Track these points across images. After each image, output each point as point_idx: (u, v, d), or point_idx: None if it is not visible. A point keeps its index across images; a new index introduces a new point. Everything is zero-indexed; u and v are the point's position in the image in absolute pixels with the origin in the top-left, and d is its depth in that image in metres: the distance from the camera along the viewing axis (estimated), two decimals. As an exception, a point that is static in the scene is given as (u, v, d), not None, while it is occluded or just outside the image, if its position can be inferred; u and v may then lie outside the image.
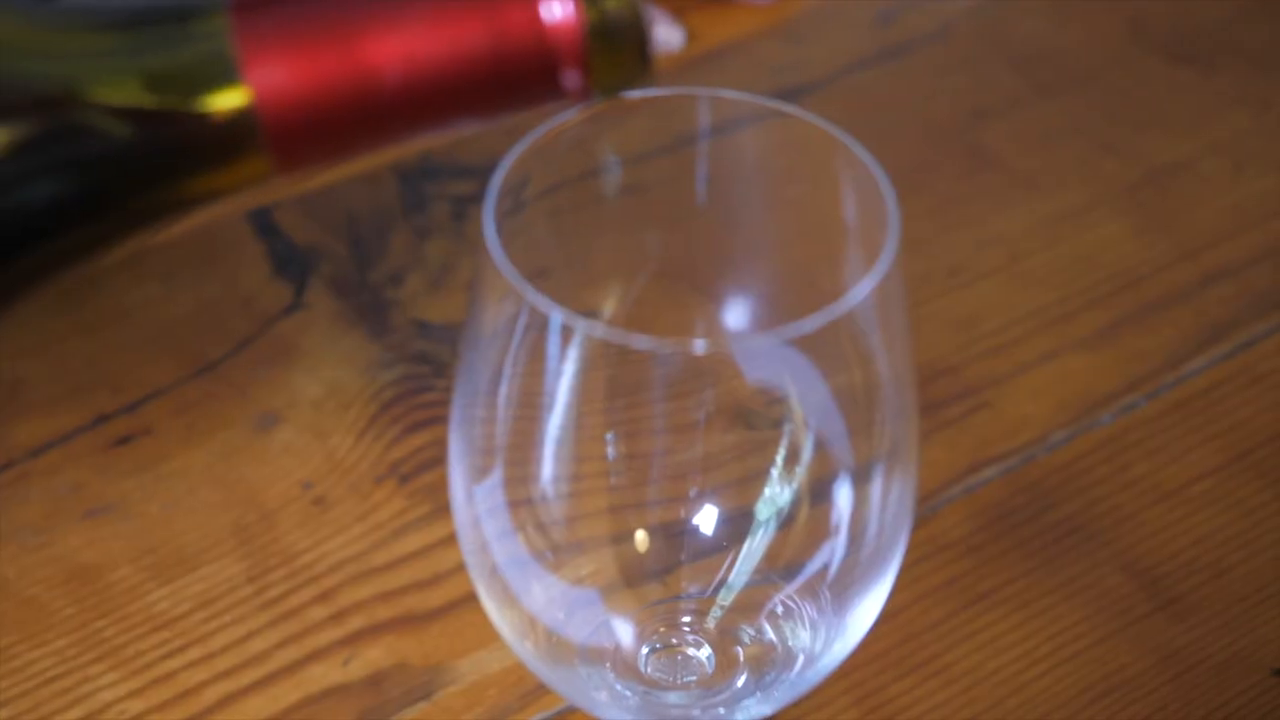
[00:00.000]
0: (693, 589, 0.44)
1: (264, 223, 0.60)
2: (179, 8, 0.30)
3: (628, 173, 0.42)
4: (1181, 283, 0.59)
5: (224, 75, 0.30)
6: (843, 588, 0.41)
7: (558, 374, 0.38)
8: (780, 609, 0.43)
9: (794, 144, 0.40)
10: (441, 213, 0.61)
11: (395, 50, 0.30)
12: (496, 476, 0.40)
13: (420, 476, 0.53)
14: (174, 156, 0.31)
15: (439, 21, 0.30)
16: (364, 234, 0.60)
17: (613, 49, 0.31)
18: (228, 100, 0.30)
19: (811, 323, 0.35)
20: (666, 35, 0.67)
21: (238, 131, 0.30)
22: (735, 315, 0.45)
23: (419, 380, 0.55)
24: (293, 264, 0.59)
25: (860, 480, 0.41)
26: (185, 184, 0.31)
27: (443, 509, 0.52)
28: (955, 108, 0.65)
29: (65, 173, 0.31)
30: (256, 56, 0.30)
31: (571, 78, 0.31)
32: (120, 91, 0.30)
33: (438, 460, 0.53)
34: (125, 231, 0.32)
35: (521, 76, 0.31)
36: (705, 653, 0.44)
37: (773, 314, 0.44)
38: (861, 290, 0.36)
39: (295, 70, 0.30)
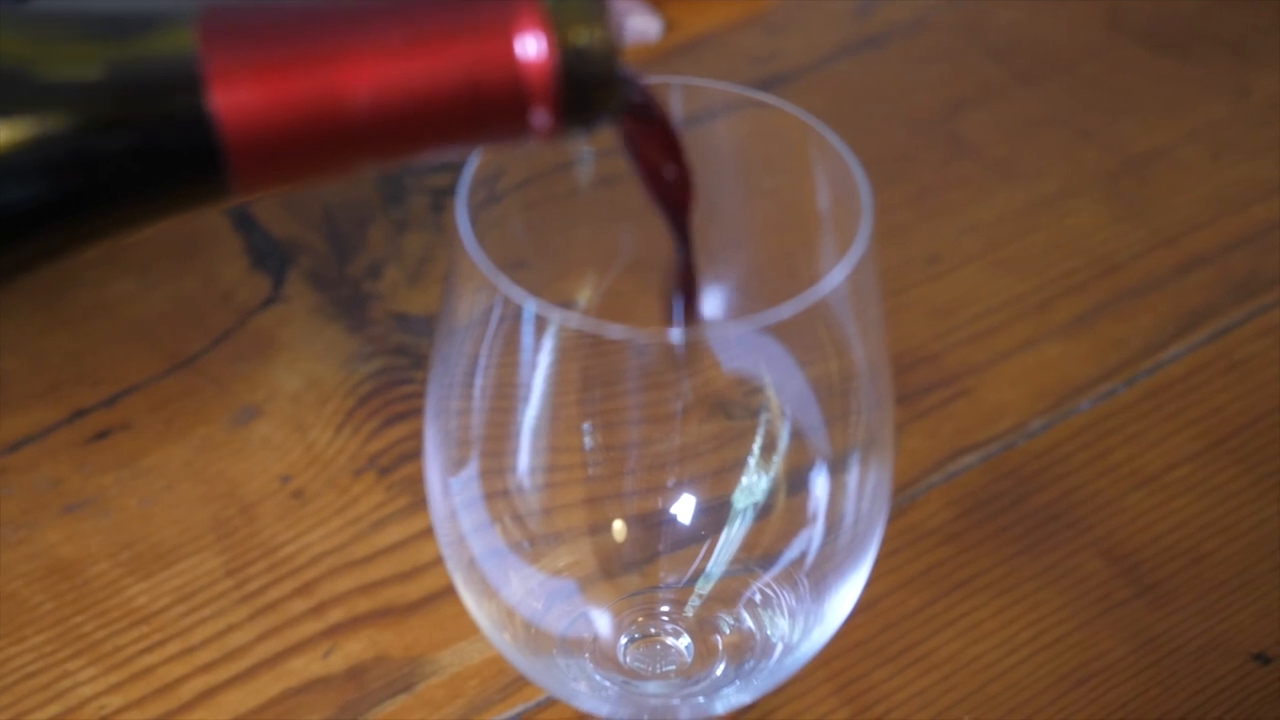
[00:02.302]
0: (671, 579, 0.44)
1: (242, 216, 0.60)
2: (146, 18, 0.30)
3: (602, 164, 0.42)
4: (1159, 269, 0.59)
5: (187, 92, 0.30)
6: (820, 576, 0.41)
7: (533, 365, 0.38)
8: (758, 597, 0.43)
9: (769, 133, 0.40)
10: (419, 205, 0.61)
11: (365, 77, 0.30)
12: (473, 468, 0.40)
13: (399, 469, 0.53)
14: (132, 171, 0.31)
15: (411, 52, 0.30)
16: (342, 227, 0.60)
17: (584, 87, 0.30)
18: (189, 117, 0.30)
19: (785, 310, 0.35)
20: (644, 25, 0.67)
21: (197, 150, 0.30)
22: (711, 306, 0.45)
23: (397, 373, 0.55)
24: (271, 257, 0.59)
25: (837, 469, 0.41)
26: (143, 198, 0.31)
27: (422, 501, 0.52)
28: (934, 97, 0.65)
29: (17, 181, 0.30)
30: (223, 75, 0.29)
31: (541, 115, 0.31)
32: (79, 101, 0.30)
33: (417, 452, 0.53)
34: (77, 243, 0.31)
35: (492, 111, 0.31)
36: (684, 642, 0.44)
37: (749, 305, 0.44)
38: (835, 277, 0.36)
39: (261, 91, 0.30)
